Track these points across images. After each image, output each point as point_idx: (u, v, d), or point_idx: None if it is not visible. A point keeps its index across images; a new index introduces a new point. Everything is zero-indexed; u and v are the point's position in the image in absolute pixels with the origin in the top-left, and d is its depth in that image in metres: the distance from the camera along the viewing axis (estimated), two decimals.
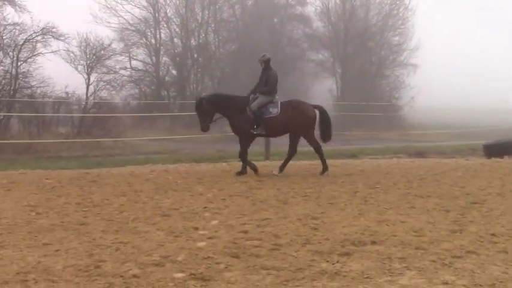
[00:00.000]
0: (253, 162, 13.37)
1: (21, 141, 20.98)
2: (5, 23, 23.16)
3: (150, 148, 18.95)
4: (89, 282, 5.13)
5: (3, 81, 23.15)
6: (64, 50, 26.29)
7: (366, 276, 5.28)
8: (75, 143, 21.79)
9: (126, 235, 6.90)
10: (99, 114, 24.88)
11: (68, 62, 27.51)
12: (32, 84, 23.88)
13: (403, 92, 42.86)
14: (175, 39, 40.76)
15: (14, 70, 23.21)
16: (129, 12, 38.80)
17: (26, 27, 23.52)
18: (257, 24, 44.04)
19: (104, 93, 27.83)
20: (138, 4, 38.94)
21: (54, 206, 8.81)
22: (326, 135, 13.67)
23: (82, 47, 28.31)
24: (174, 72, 40.10)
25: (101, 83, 28.98)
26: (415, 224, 7.50)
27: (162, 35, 40.59)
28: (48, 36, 24.01)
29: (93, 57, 28.34)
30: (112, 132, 23.58)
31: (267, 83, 13.23)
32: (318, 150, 13.31)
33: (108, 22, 37.87)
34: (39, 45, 24.17)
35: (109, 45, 30.97)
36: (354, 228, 7.14)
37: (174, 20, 40.94)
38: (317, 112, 13.49)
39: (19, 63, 23.42)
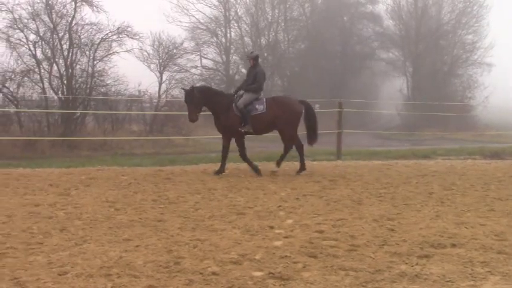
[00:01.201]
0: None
1: (96, 138, 21.50)
2: (83, 22, 23.76)
3: (219, 146, 19.07)
4: (170, 278, 5.22)
5: (80, 79, 23.76)
6: (138, 48, 26.80)
7: (447, 279, 5.19)
8: (148, 141, 22.16)
9: (203, 232, 6.98)
10: (171, 112, 25.19)
11: (141, 60, 28.03)
12: (107, 82, 24.44)
13: (476, 92, 41.70)
14: (245, 38, 41.03)
15: (90, 69, 23.79)
16: (200, 11, 39.30)
17: (102, 27, 24.09)
18: (327, 23, 43.84)
19: (175, 92, 28.17)
20: (209, 3, 39.40)
21: (132, 203, 8.99)
22: (312, 137, 13.45)
23: (155, 46, 28.81)
24: (243, 70, 40.28)
25: (173, 82, 29.41)
26: (495, 227, 7.32)
27: (232, 34, 40.92)
28: (123, 35, 24.53)
29: (165, 55, 28.77)
30: (183, 130, 23.84)
31: (255, 80, 13.06)
32: (299, 149, 13.24)
33: (180, 21, 38.47)
34: (114, 44, 24.72)
35: (181, 44, 31.38)
36: (432, 230, 7.03)
37: (244, 18, 41.20)
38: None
39: (95, 62, 24.00)
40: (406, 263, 5.68)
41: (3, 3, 22.17)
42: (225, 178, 11.94)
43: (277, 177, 12.12)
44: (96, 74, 24.08)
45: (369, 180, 11.83)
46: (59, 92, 23.46)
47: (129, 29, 24.69)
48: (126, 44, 25.17)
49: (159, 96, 27.29)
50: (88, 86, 23.69)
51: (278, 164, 13.07)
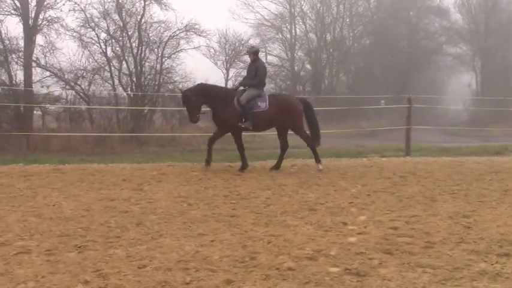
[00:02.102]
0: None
1: (164, 134, 21.82)
2: (151, 21, 24.17)
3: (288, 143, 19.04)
4: (247, 273, 5.26)
5: (149, 76, 24.16)
6: (205, 46, 27.13)
7: None
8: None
9: (276, 228, 7.01)
10: None
11: (208, 57, 28.37)
12: (175, 79, 24.78)
13: None
14: (310, 34, 40.86)
15: (158, 66, 24.17)
16: (265, 8, 39.42)
17: (170, 25, 24.45)
18: (393, 18, 43.32)
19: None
20: (274, 0, 39.42)
21: (204, 198, 9.10)
22: (316, 136, 13.17)
23: (221, 43, 29.09)
24: (308, 67, 40.20)
25: (239, 78, 29.54)
26: None
27: (297, 30, 40.85)
28: (191, 32, 24.86)
29: (231, 52, 29.01)
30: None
31: (256, 75, 12.90)
32: (309, 144, 13.05)
33: (245, 18, 38.68)
34: (182, 41, 25.05)
35: (246, 40, 31.56)
36: (510, 228, 6.86)
37: (309, 15, 41.07)
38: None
39: (163, 59, 24.37)
40: (485, 261, 5.55)
41: (76, 4, 22.77)
42: (295, 174, 11.96)
43: (347, 173, 12.03)
44: (164, 71, 24.47)
45: (440, 176, 11.63)
46: (128, 89, 23.94)
47: (196, 27, 25.03)
48: (194, 41, 25.53)
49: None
50: (156, 83, 24.08)
51: (276, 167, 12.91)
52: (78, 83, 23.37)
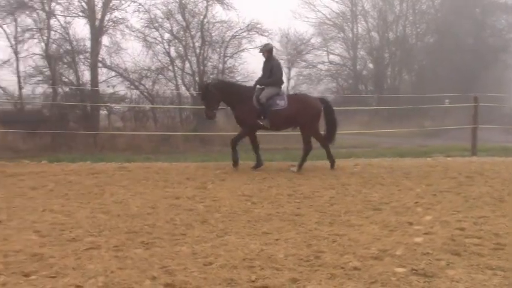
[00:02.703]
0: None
1: (227, 133, 21.93)
2: (214, 21, 24.35)
3: (349, 142, 18.86)
4: (312, 272, 5.25)
5: (211, 76, 24.35)
6: None
7: None
8: (277, 136, 22.30)
9: (341, 227, 6.98)
10: None
11: None
12: (237, 78, 24.84)
13: None
14: (372, 33, 40.39)
15: (220, 65, 24.36)
16: (326, 6, 39.13)
17: (232, 24, 24.58)
18: (457, 15, 42.39)
19: (303, 87, 28.31)
20: None
21: (268, 197, 9.14)
22: (331, 135, 13.08)
23: (283, 42, 29.07)
24: (371, 66, 39.76)
25: (300, 77, 29.57)
26: None
27: (359, 29, 40.47)
28: (253, 32, 24.92)
29: (293, 51, 28.98)
30: None
31: (271, 73, 12.71)
32: (307, 150, 12.82)
33: (307, 17, 38.49)
34: (244, 41, 25.14)
35: (308, 40, 31.47)
36: None
37: (371, 13, 40.60)
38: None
39: (225, 59, 24.53)
40: None
41: (140, 5, 23.16)
42: (358, 174, 11.85)
43: (411, 173, 11.85)
44: (227, 70, 24.62)
45: (508, 177, 11.33)
46: (191, 89, 24.20)
47: (258, 26, 25.07)
48: (256, 40, 25.53)
49: (288, 92, 27.47)
50: None
51: (299, 167, 12.68)
52: (142, 82, 23.77)
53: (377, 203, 8.53)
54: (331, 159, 12.92)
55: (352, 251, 5.88)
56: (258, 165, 12.82)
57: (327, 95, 34.23)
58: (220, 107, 13.37)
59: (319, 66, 36.52)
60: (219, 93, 12.66)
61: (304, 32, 32.04)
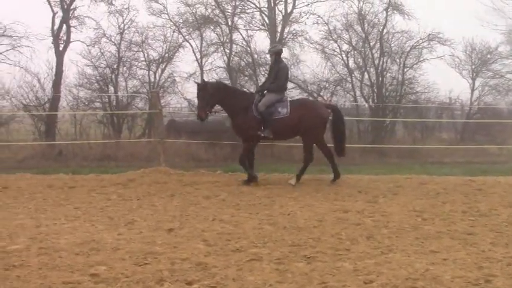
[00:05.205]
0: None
1: (405, 146, 21.46)
2: (393, 31, 23.89)
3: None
4: None
5: (390, 87, 23.94)
6: (449, 55, 26.12)
7: None
8: (458, 149, 21.47)
9: None
10: (483, 120, 24.15)
11: (452, 67, 27.25)
12: (417, 89, 24.21)
13: None
14: None
15: (400, 76, 23.84)
16: None
17: (412, 34, 23.95)
18: None
19: (488, 98, 26.91)
20: None
21: (440, 213, 8.74)
22: (341, 147, 12.13)
23: (467, 52, 27.81)
24: None
25: (486, 88, 28.10)
26: None
27: None
28: (434, 42, 24.11)
29: (478, 61, 27.65)
30: (497, 138, 22.73)
31: (276, 78, 11.62)
32: (329, 156, 11.93)
33: (495, 25, 36.56)
34: (424, 51, 24.41)
35: (495, 48, 29.88)
36: None
37: None
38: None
39: (405, 70, 23.97)
40: None
41: (319, 17, 23.33)
42: None
43: None
44: (406, 81, 24.03)
45: None
46: (370, 100, 23.93)
47: (440, 36, 24.19)
48: (437, 50, 24.70)
49: (471, 103, 26.29)
50: (398, 93, 23.76)
51: (298, 178, 11.84)
52: (321, 94, 23.86)
53: None
54: (336, 172, 12.16)
55: None
56: (250, 179, 11.91)
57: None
58: (214, 111, 12.50)
59: (508, 75, 34.50)
60: (216, 94, 11.93)
61: (492, 39, 30.33)
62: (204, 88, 11.90)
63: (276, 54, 12.19)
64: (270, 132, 11.70)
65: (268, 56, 22.33)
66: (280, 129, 11.74)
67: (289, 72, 12.74)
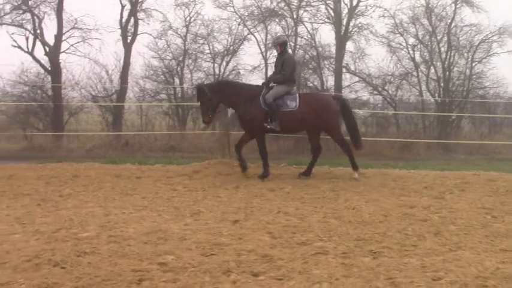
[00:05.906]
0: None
1: (472, 141, 21.03)
2: (462, 24, 23.37)
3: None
4: None
5: (457, 82, 23.46)
6: None
7: None
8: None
9: None
10: None
11: None
12: (485, 84, 23.68)
13: None
14: None
15: (467, 71, 23.34)
16: None
17: (482, 28, 23.41)
18: None
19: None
20: None
21: (510, 211, 8.53)
22: (356, 139, 11.72)
23: None
24: None
25: None
26: None
27: None
28: (505, 35, 23.49)
29: None
30: None
31: (282, 69, 11.25)
32: (346, 149, 11.53)
33: None
34: (494, 45, 23.82)
35: None
36: None
37: None
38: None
39: (473, 64, 23.45)
40: None
41: (386, 10, 23.02)
42: None
43: None
44: (474, 76, 23.51)
45: None
46: (436, 95, 23.52)
47: (511, 29, 23.57)
48: (507, 44, 24.06)
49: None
50: (465, 88, 23.28)
51: (307, 173, 11.75)
52: (386, 88, 23.59)
53: None
54: (354, 165, 11.86)
55: None
56: (265, 175, 11.70)
57: None
58: (219, 110, 12.42)
59: None
60: (215, 95, 11.63)
61: None
62: (201, 92, 11.72)
63: (280, 45, 11.94)
64: (277, 124, 11.48)
65: (333, 49, 22.44)
66: (288, 122, 11.55)
67: (296, 63, 12.49)
